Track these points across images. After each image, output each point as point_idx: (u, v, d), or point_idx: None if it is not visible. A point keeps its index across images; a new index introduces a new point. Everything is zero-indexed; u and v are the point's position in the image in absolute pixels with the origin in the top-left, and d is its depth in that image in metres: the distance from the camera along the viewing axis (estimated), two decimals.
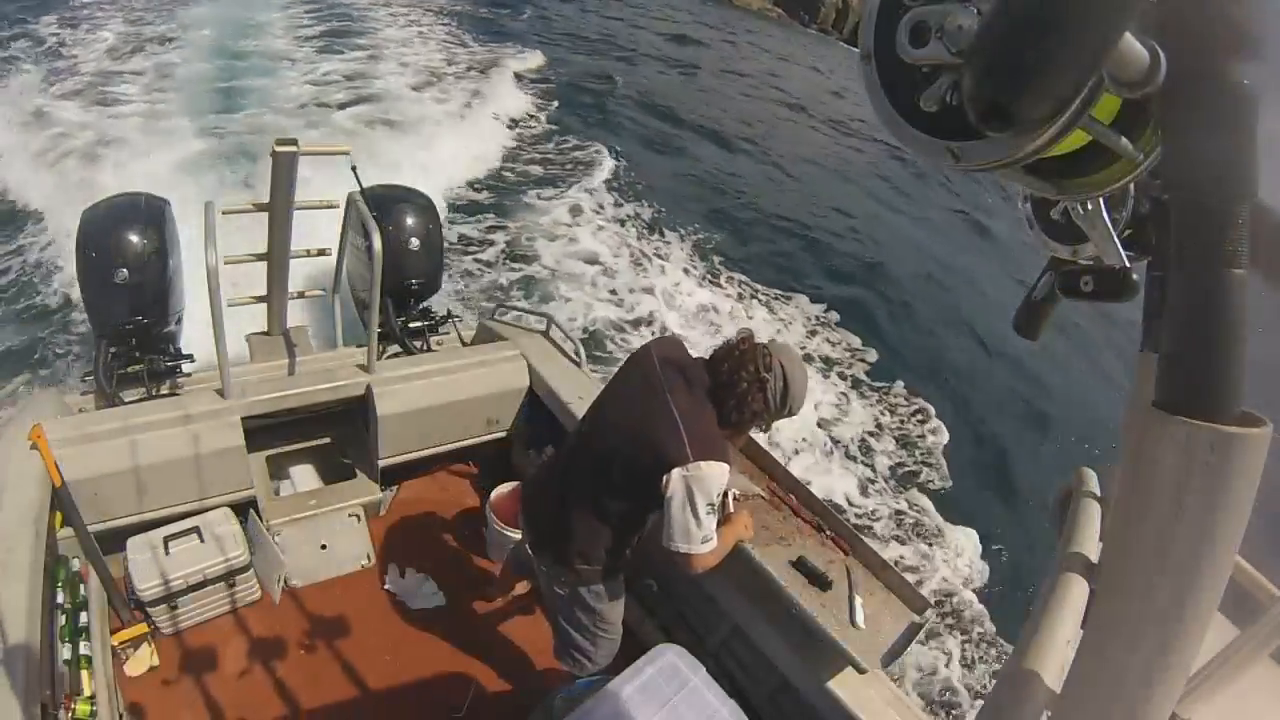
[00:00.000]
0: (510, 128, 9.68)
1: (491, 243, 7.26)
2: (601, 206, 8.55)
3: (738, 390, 1.71)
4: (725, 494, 1.80)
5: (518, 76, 11.29)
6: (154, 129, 7.23)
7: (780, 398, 1.73)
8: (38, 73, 8.07)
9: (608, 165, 9.44)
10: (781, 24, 29.65)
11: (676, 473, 1.64)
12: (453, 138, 8.53)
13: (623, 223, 8.33)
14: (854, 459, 6.05)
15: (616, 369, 1.95)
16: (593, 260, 7.39)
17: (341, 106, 8.81)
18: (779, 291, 8.00)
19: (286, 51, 10.08)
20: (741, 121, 14.09)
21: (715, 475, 1.66)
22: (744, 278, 8.02)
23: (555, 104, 10.86)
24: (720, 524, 1.78)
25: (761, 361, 1.71)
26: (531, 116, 10.28)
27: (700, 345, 2.02)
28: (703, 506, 1.66)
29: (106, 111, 7.53)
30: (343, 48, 10.66)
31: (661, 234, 8.35)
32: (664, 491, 1.66)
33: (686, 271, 7.74)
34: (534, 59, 12.53)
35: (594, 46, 15.58)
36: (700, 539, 1.69)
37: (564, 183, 8.80)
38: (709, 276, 7.85)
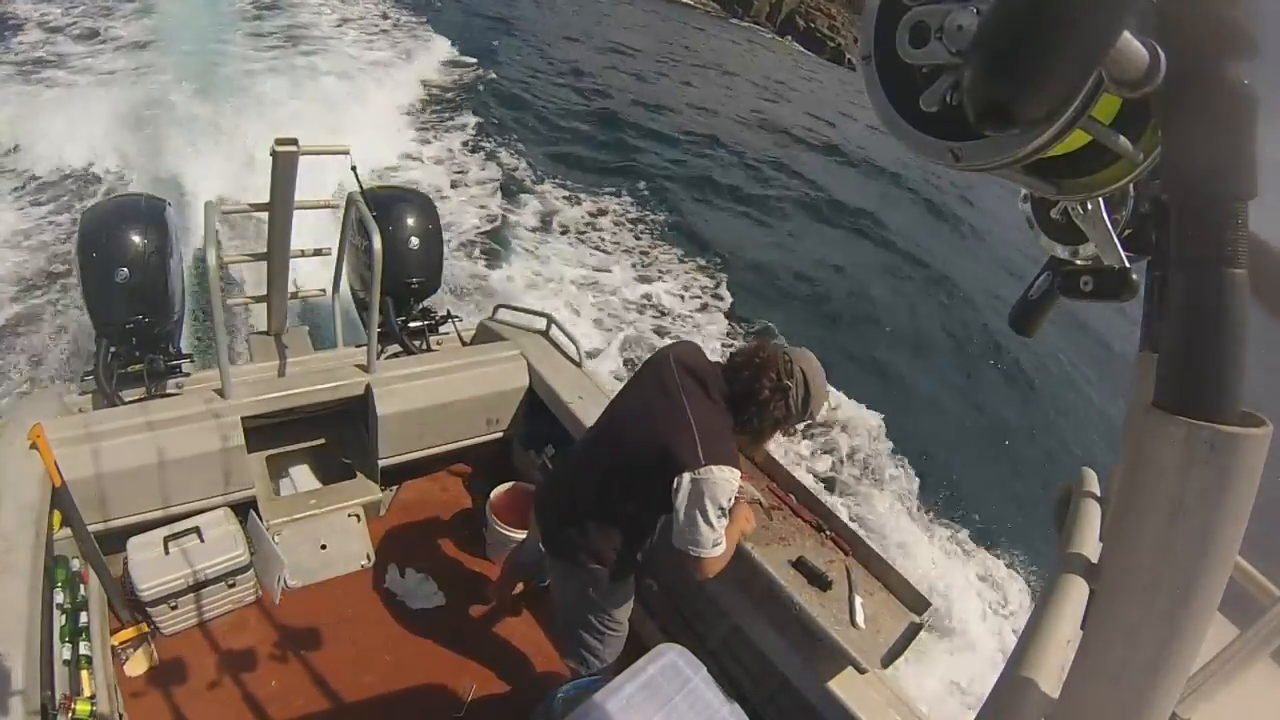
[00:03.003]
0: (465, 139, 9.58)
1: (490, 241, 7.26)
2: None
3: (759, 398, 1.71)
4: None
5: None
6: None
7: (802, 404, 1.73)
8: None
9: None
10: (713, 16, 29.61)
11: (687, 476, 1.64)
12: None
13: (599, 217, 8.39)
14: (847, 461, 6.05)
15: (632, 372, 1.95)
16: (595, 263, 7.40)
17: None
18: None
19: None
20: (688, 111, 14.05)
21: (726, 479, 1.66)
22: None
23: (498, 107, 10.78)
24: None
25: (783, 368, 1.71)
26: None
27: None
28: (713, 510, 1.66)
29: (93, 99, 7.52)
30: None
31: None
32: (674, 494, 1.66)
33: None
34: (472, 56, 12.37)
35: (539, 44, 15.54)
36: (711, 542, 1.69)
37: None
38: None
